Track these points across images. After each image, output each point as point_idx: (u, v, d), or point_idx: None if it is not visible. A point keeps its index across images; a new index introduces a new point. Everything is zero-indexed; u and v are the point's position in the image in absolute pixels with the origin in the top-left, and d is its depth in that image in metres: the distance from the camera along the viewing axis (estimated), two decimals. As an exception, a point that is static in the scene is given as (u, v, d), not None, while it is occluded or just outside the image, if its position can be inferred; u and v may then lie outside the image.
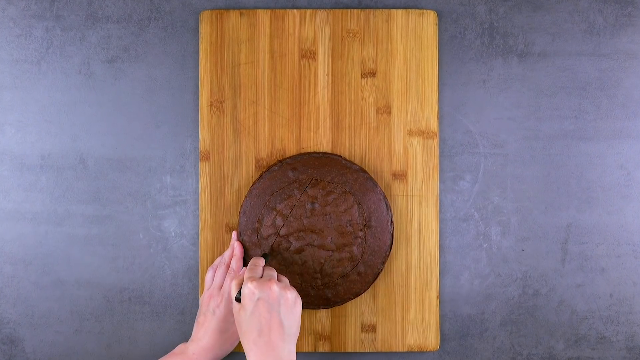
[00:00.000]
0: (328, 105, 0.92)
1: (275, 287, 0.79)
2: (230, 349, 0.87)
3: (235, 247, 0.89)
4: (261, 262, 0.84)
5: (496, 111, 0.93)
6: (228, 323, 0.86)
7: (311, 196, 0.89)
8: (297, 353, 0.92)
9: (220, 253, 0.91)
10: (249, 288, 0.79)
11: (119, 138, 0.93)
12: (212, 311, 0.86)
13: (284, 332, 0.77)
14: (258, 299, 0.78)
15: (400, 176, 0.92)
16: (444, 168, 0.93)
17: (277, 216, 0.89)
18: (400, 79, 0.92)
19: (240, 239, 0.89)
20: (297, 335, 0.80)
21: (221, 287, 0.87)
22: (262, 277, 0.81)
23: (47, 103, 0.93)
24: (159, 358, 0.89)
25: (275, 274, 0.82)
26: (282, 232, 0.89)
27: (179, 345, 0.86)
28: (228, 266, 0.88)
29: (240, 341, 0.85)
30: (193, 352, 0.85)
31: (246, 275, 0.81)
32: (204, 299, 0.87)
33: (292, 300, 0.79)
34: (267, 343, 0.76)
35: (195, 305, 0.93)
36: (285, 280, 0.83)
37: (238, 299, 0.80)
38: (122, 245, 0.93)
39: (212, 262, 0.91)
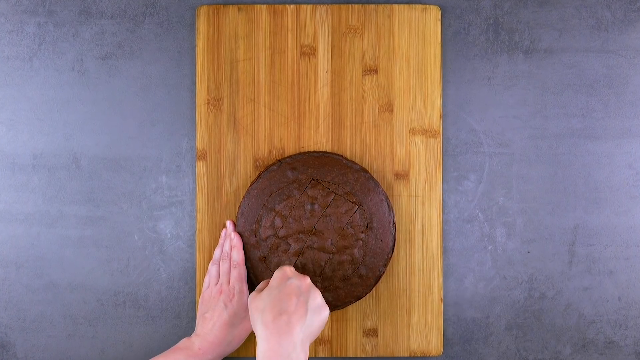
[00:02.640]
0: (328, 103, 0.90)
1: (309, 281, 0.79)
2: (237, 346, 0.86)
3: (233, 239, 0.88)
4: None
5: (501, 109, 0.92)
6: (239, 318, 0.85)
7: (311, 197, 0.87)
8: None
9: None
10: (284, 270, 0.79)
11: (113, 137, 0.91)
12: (223, 305, 0.85)
13: (305, 322, 0.75)
14: (290, 282, 0.78)
15: (402, 176, 0.90)
16: (448, 168, 0.91)
17: (276, 217, 0.87)
18: (402, 76, 0.91)
19: (237, 230, 0.88)
20: (313, 339, 0.78)
21: (229, 281, 0.86)
22: None
23: (40, 101, 0.91)
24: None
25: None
26: (281, 233, 0.87)
27: (183, 340, 0.85)
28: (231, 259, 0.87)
29: (249, 332, 0.87)
30: (199, 347, 0.84)
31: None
32: (212, 293, 0.86)
33: (320, 301, 0.78)
34: (287, 324, 0.74)
35: (192, 309, 0.91)
36: None
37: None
38: (117, 247, 0.91)
39: (209, 263, 0.89)
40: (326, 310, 0.79)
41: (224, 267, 0.87)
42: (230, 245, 0.88)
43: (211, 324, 0.84)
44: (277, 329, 0.74)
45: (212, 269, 0.88)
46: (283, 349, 0.73)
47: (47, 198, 0.91)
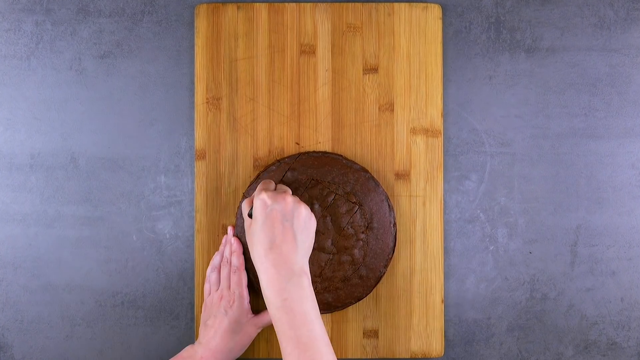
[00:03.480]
0: (328, 102, 0.89)
1: (289, 199, 0.78)
2: (240, 353, 0.85)
3: (232, 243, 0.87)
4: (273, 183, 0.83)
5: (503, 108, 0.91)
6: (240, 324, 0.84)
7: (311, 197, 0.86)
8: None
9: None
10: (261, 199, 0.78)
11: (111, 136, 0.90)
12: (223, 312, 0.84)
13: (296, 246, 0.76)
14: (271, 210, 0.77)
15: (403, 176, 0.89)
16: (449, 167, 0.91)
17: (275, 217, 0.87)
18: (403, 75, 0.90)
19: (236, 235, 0.87)
20: (310, 252, 0.79)
21: (229, 286, 0.85)
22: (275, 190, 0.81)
23: (37, 100, 0.90)
24: None
25: (289, 189, 0.81)
26: (281, 234, 0.86)
27: (187, 348, 0.84)
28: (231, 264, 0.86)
29: (251, 339, 0.86)
30: (202, 355, 0.83)
31: (259, 188, 0.80)
32: (213, 299, 0.85)
33: (305, 214, 0.78)
34: (279, 255, 0.75)
35: (191, 310, 0.90)
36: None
37: (250, 215, 0.80)
38: (115, 248, 0.90)
39: (208, 264, 0.89)
40: (313, 222, 0.79)
41: (224, 272, 0.86)
42: (230, 250, 0.87)
43: (213, 331, 0.83)
44: (271, 261, 0.75)
45: (211, 275, 0.87)
46: (282, 277, 0.75)
47: (45, 198, 0.90)
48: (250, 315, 0.85)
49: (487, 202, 0.91)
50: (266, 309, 0.87)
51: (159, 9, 0.91)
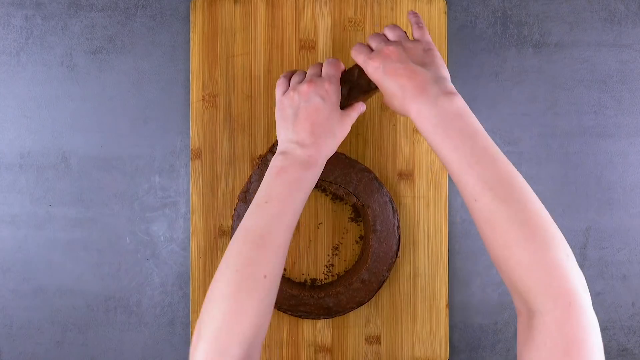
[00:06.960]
0: (329, 99, 0.87)
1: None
2: (339, 142, 0.74)
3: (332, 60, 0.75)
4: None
5: (510, 106, 0.89)
6: (336, 116, 0.73)
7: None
8: (296, 367, 0.87)
9: (213, 258, 0.87)
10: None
11: (104, 135, 0.88)
12: (320, 99, 0.71)
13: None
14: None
15: (406, 176, 0.87)
16: (454, 167, 0.88)
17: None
18: (406, 71, 0.87)
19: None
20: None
21: (320, 74, 0.74)
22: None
23: (27, 97, 0.88)
24: None
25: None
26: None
27: (279, 165, 0.71)
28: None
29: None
30: (309, 154, 0.71)
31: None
32: (300, 90, 0.72)
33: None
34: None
35: (186, 315, 0.88)
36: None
37: None
38: (108, 251, 0.88)
39: (204, 268, 0.86)
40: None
41: (311, 68, 0.75)
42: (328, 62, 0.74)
43: (308, 123, 0.71)
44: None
45: (285, 79, 0.76)
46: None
47: (35, 199, 0.88)
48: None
49: (493, 203, 0.89)
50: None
51: (153, 3, 0.89)
